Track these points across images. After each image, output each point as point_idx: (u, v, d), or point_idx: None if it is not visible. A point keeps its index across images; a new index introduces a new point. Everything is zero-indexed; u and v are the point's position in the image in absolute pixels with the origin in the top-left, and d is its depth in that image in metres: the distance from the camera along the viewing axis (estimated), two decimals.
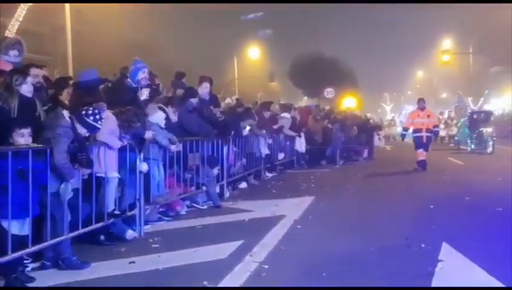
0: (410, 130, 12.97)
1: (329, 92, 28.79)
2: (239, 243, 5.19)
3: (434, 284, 3.84)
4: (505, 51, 32.34)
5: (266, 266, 4.42)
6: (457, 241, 4.92)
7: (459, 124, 23.42)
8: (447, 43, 44.85)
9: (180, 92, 8.46)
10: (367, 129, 17.84)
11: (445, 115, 28.54)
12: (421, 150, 12.27)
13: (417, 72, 75.48)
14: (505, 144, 19.76)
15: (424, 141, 12.26)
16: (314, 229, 5.98)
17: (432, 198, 7.96)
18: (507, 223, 5.87)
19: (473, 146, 18.59)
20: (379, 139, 19.95)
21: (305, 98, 40.52)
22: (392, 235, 5.50)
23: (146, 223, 5.95)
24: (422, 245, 4.93)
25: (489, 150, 17.07)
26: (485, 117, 20.22)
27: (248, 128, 9.77)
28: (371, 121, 22.68)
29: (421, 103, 12.74)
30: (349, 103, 30.55)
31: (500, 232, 5.47)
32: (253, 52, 37.68)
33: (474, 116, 20.73)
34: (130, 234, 5.45)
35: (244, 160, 9.72)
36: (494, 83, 41.05)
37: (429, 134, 12.37)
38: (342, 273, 4.18)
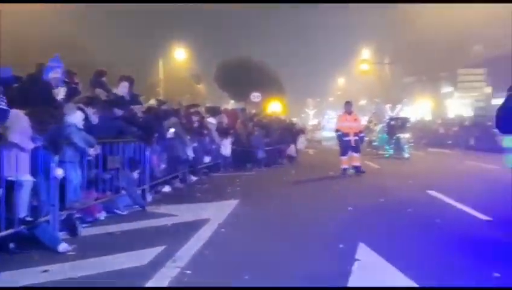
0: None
1: (256, 96, 29.16)
2: (161, 248, 5.06)
3: (351, 283, 3.99)
4: (416, 63, 34.79)
5: (189, 271, 4.35)
6: (373, 241, 5.16)
7: (377, 130, 24.32)
8: (366, 53, 47.32)
9: (99, 91, 8.11)
10: (292, 133, 18.32)
11: (363, 122, 29.89)
12: (347, 156, 12.21)
13: (338, 79, 78.86)
14: (417, 149, 21.20)
15: (353, 144, 12.19)
16: (239, 232, 6.00)
17: (350, 200, 8.29)
18: (417, 224, 6.28)
19: (391, 151, 19.06)
20: (301, 142, 20.38)
21: (232, 101, 40.71)
22: (312, 237, 5.67)
23: (61, 229, 5.61)
24: (341, 245, 5.12)
25: (406, 155, 17.69)
26: (402, 123, 20.62)
27: (172, 130, 9.59)
28: (296, 125, 23.29)
29: (348, 107, 12.57)
30: (275, 107, 31.20)
31: (411, 232, 5.84)
32: (180, 54, 37.14)
33: (392, 122, 21.16)
34: (63, 247, 5.01)
35: (162, 165, 9.45)
36: (408, 92, 44.04)
37: (357, 138, 12.30)
38: (264, 276, 4.22)
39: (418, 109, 41.10)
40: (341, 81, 77.69)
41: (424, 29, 29.39)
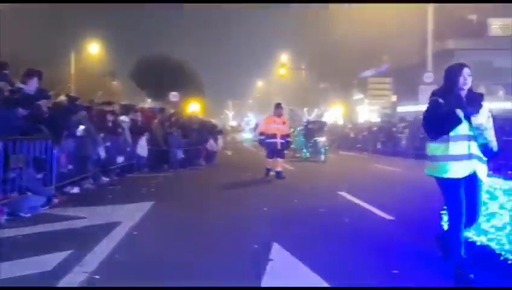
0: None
1: (174, 96, 28.67)
2: (67, 253, 4.78)
3: (264, 283, 4.05)
4: (330, 69, 36.45)
5: (97, 277, 4.15)
6: (286, 242, 5.28)
7: (295, 133, 24.92)
8: (284, 57, 48.67)
9: (2, 84, 7.49)
10: (211, 134, 18.26)
11: None
12: (273, 159, 11.88)
13: (258, 82, 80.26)
14: (329, 152, 22.14)
15: (279, 147, 11.85)
16: (152, 235, 5.84)
17: (265, 201, 8.44)
18: (328, 224, 6.55)
19: (308, 154, 19.36)
20: (218, 143, 20.38)
21: (149, 100, 39.67)
22: (227, 238, 5.68)
23: None
24: (255, 246, 5.18)
25: (322, 158, 17.95)
26: (320, 127, 20.94)
27: (82, 127, 9.09)
28: (216, 126, 23.26)
29: (278, 109, 12.18)
30: (194, 107, 30.95)
31: (322, 232, 6.08)
32: (94, 48, 35.41)
33: (310, 126, 21.42)
34: None
35: (69, 165, 8.94)
36: (323, 97, 45.99)
37: (283, 141, 11.97)
38: (177, 279, 4.14)
39: (331, 114, 43.04)
40: (260, 84, 79.20)
41: (338, 38, 30.85)
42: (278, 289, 4.00)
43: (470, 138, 4.03)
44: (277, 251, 4.97)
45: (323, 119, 30.93)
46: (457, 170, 4.02)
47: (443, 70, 4.30)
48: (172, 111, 19.90)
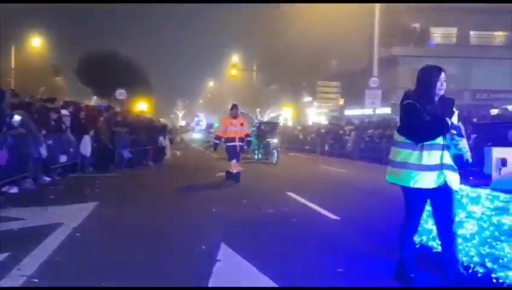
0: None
1: (121, 94, 27.79)
2: (4, 255, 4.53)
3: (211, 284, 4.02)
4: (281, 72, 36.89)
5: (36, 280, 3.97)
6: (234, 242, 5.28)
7: None
8: (236, 58, 48.74)
9: None
10: (160, 133, 17.96)
11: None
12: (234, 161, 11.23)
13: (209, 82, 79.87)
14: (281, 153, 22.37)
15: (238, 150, 11.26)
16: (95, 237, 5.65)
17: (214, 201, 8.40)
18: (276, 224, 6.62)
19: (259, 156, 18.94)
20: (168, 143, 20.10)
21: (95, 97, 38.38)
22: (175, 239, 5.60)
23: None
24: (203, 247, 5.14)
25: (274, 160, 17.47)
26: (272, 128, 20.69)
27: (18, 117, 8.60)
28: (167, 126, 22.91)
29: (234, 110, 11.44)
30: (142, 106, 30.29)
31: (270, 232, 6.12)
32: (36, 41, 33.74)
33: (262, 127, 21.22)
34: None
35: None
36: (274, 99, 46.45)
37: (242, 143, 11.30)
38: (121, 281, 4.03)
39: (282, 115, 43.58)
40: (211, 84, 78.84)
41: (288, 40, 31.25)
42: (224, 289, 3.99)
43: (443, 147, 3.88)
44: (225, 252, 4.95)
45: (277, 120, 30.89)
46: (428, 181, 3.86)
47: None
48: (118, 109, 19.36)
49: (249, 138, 11.77)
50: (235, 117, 11.41)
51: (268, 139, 18.80)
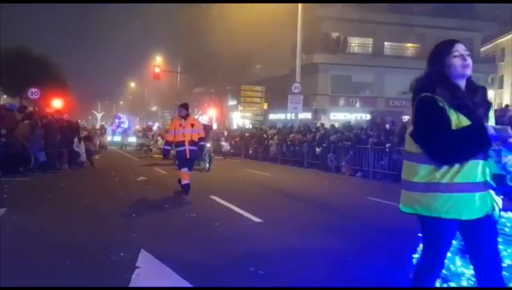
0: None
1: (34, 93, 26.03)
2: None
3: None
4: (205, 74, 36.74)
5: None
6: (155, 248, 5.13)
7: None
8: (159, 59, 47.73)
9: None
10: (76, 135, 17.01)
11: (155, 128, 29.94)
12: (185, 169, 9.68)
13: (130, 83, 77.55)
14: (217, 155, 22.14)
15: (188, 156, 9.65)
16: (1, 244, 5.20)
17: (134, 206, 8.15)
18: (198, 228, 6.54)
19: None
20: (82, 146, 18.99)
21: (5, 96, 35.66)
22: (92, 247, 5.32)
23: None
24: (121, 254, 4.94)
25: (207, 166, 16.38)
26: (204, 132, 20.19)
27: None
28: (85, 127, 21.79)
29: (182, 110, 9.86)
30: (57, 106, 28.53)
31: (193, 237, 6.03)
32: None
33: None
34: None
35: None
36: (198, 102, 46.08)
37: (193, 147, 9.76)
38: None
39: (207, 119, 43.32)
40: (132, 85, 76.61)
41: (213, 43, 31.14)
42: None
43: (481, 156, 2.64)
44: (145, 258, 4.80)
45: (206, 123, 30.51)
46: (468, 207, 2.59)
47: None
48: (30, 109, 18.12)
49: (202, 142, 10.16)
50: (184, 117, 9.79)
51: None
